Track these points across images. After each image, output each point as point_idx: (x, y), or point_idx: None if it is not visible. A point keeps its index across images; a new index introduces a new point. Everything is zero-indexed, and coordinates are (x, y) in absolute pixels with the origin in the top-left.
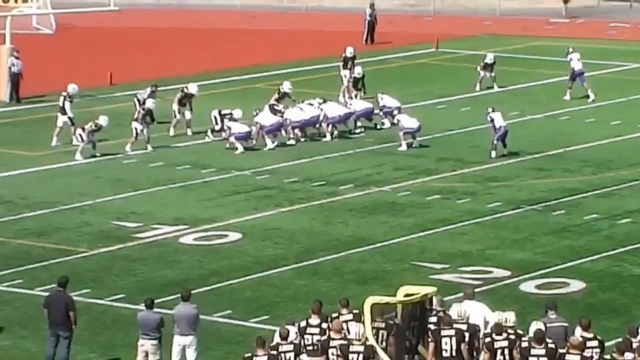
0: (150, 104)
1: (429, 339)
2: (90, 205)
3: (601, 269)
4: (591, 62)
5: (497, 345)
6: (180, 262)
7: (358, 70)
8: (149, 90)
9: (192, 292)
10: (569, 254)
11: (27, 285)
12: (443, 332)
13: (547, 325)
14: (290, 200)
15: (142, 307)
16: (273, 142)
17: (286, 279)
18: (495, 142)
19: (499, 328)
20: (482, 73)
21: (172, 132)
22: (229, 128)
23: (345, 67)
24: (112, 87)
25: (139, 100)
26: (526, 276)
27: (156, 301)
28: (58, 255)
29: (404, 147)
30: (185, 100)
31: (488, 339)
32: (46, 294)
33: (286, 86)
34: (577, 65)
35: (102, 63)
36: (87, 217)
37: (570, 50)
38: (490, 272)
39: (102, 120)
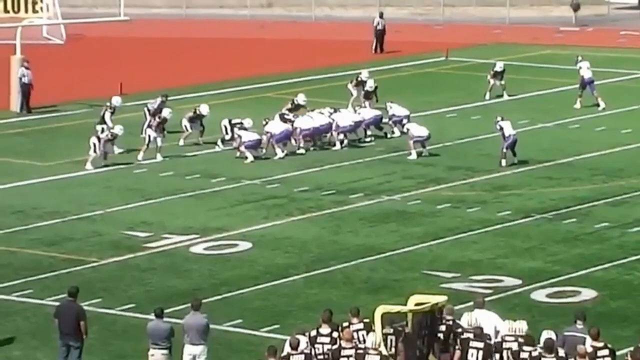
0: (166, 113)
1: (457, 347)
2: (100, 215)
3: (612, 278)
4: (601, 70)
5: (522, 356)
6: (191, 272)
7: (370, 84)
8: (159, 100)
9: (203, 301)
10: (580, 263)
11: (38, 295)
12: (472, 344)
13: (566, 334)
14: (300, 209)
15: (152, 316)
16: (283, 151)
17: (297, 288)
18: (504, 150)
19: (529, 340)
20: (492, 81)
21: (182, 142)
22: (239, 137)
23: (356, 85)
24: (122, 96)
25: (149, 110)
26: (537, 285)
27: (166, 311)
28: (68, 265)
29: (413, 156)
30: (197, 119)
31: (515, 348)
32: (57, 304)
33: (301, 98)
34: (586, 73)
35: (113, 73)
36: (98, 227)
37: (580, 58)
38: (501, 280)
39: (118, 130)
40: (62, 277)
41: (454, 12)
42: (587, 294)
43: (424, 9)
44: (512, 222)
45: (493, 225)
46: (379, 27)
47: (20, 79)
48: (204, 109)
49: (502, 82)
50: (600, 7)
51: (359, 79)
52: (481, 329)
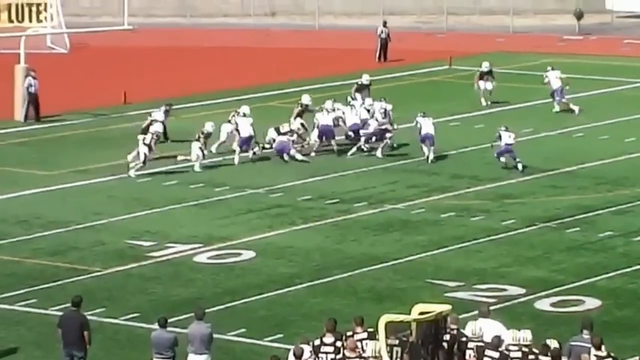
0: (209, 127)
1: (474, 355)
2: (104, 224)
3: (617, 287)
4: (605, 78)
5: None
6: (194, 281)
7: (369, 102)
8: (163, 109)
9: (206, 310)
10: (584, 272)
11: (42, 304)
12: (487, 352)
13: (572, 344)
14: (304, 218)
15: (156, 326)
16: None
17: (300, 297)
18: (495, 156)
19: (545, 349)
20: (481, 85)
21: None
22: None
23: (358, 91)
24: (126, 105)
25: (153, 120)
26: (541, 294)
27: (170, 320)
28: (72, 274)
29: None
30: (204, 138)
31: (532, 357)
32: (60, 313)
33: (305, 99)
34: (555, 83)
35: (117, 82)
36: (102, 236)
37: (550, 68)
38: (505, 289)
39: (209, 127)
40: (65, 286)
41: (457, 21)
42: (592, 303)
43: (427, 18)
44: (516, 230)
45: (497, 234)
46: (383, 35)
47: (27, 88)
48: (208, 127)
49: (493, 85)
50: (604, 16)
51: (360, 82)
52: (498, 337)
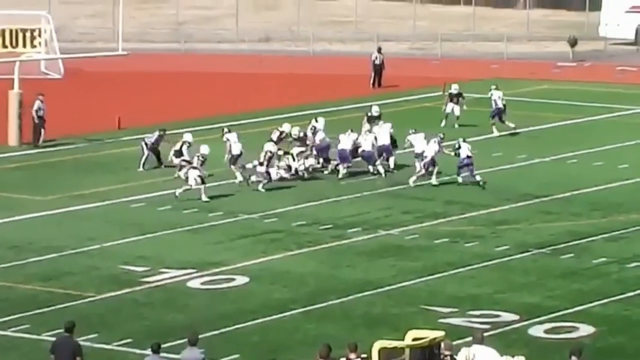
0: (205, 149)
1: None
2: (97, 249)
3: (611, 313)
4: (598, 105)
5: None
6: (188, 306)
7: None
8: (156, 134)
9: (200, 336)
10: (578, 298)
11: (34, 330)
12: None
13: None
14: (298, 243)
15: (149, 352)
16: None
17: (294, 322)
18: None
19: None
20: (449, 108)
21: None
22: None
23: (369, 122)
24: (121, 131)
25: (146, 145)
26: (535, 320)
27: (164, 346)
28: (65, 299)
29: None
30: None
31: None
32: (53, 339)
33: (287, 127)
34: (499, 102)
35: (111, 107)
36: (95, 261)
37: (493, 87)
38: (499, 316)
39: (205, 150)
40: (58, 312)
41: (451, 47)
42: (586, 329)
43: (422, 44)
44: (510, 257)
45: (491, 260)
46: (377, 61)
47: (37, 112)
48: (204, 149)
49: (462, 108)
50: (597, 43)
51: (370, 114)
52: None
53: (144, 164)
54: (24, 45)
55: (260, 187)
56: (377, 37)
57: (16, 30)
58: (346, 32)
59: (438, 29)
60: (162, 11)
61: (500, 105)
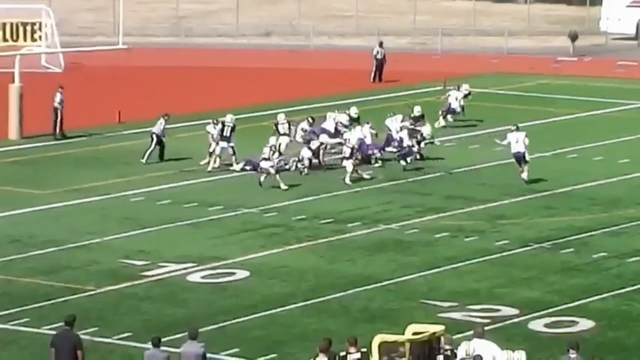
0: (229, 119)
1: None
2: (97, 243)
3: (610, 308)
4: (599, 100)
5: None
6: (188, 301)
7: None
8: (162, 120)
9: (199, 330)
10: (577, 293)
11: (34, 324)
12: None
13: None
14: (298, 238)
15: (149, 345)
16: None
17: (294, 317)
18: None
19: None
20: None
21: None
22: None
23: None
24: (121, 125)
25: (157, 135)
26: (535, 315)
27: (163, 339)
28: (65, 293)
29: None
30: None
31: None
32: (53, 332)
33: (353, 111)
34: (454, 103)
35: (111, 101)
36: (95, 255)
37: (451, 87)
38: (499, 310)
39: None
40: (59, 305)
41: (452, 42)
42: (585, 324)
43: (423, 39)
44: (510, 251)
45: (491, 254)
46: (379, 56)
47: (59, 103)
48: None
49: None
50: (598, 38)
51: (350, 115)
52: (480, 356)
53: (148, 156)
54: (25, 39)
55: (262, 178)
56: (377, 31)
57: (17, 24)
58: (346, 26)
59: (438, 24)
60: (162, 5)
61: (454, 106)
